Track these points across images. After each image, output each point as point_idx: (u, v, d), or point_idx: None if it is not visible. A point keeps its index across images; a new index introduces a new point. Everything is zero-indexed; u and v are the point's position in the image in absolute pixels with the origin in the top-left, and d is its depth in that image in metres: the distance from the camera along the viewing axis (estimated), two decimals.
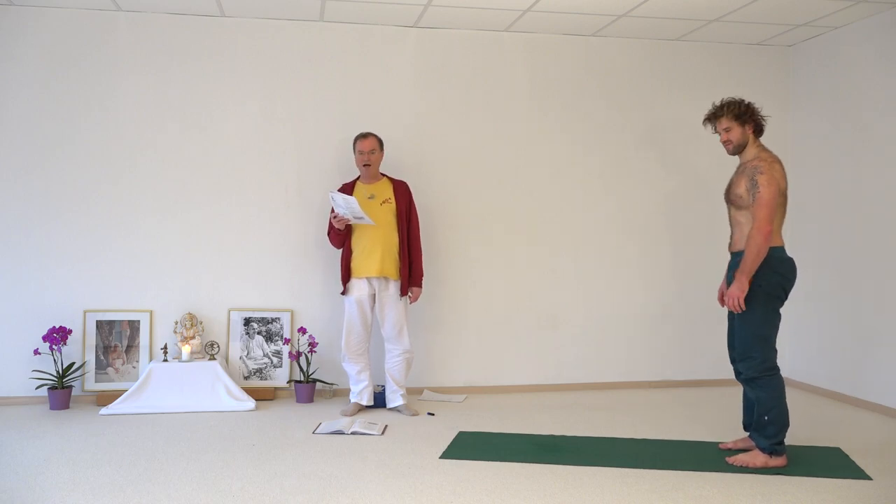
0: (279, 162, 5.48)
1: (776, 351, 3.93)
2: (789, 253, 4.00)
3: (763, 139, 6.43)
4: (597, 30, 5.65)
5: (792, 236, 6.01)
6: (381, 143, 5.02)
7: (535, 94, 5.78)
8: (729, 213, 4.04)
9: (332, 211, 5.01)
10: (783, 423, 3.86)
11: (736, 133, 3.97)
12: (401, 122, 5.58)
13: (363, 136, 4.98)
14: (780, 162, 3.94)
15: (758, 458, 3.87)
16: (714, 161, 5.99)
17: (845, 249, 5.47)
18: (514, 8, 5.14)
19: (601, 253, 5.86)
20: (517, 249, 5.76)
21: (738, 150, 4.00)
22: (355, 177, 5.12)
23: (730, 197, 3.98)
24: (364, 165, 4.95)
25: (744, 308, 3.83)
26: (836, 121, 5.57)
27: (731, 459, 3.93)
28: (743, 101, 4.00)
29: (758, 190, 3.79)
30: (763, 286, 3.83)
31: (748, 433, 4.11)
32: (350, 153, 5.19)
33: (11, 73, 5.18)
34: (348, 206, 4.72)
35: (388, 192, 5.00)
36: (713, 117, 4.05)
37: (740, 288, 3.80)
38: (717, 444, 4.27)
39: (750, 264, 3.79)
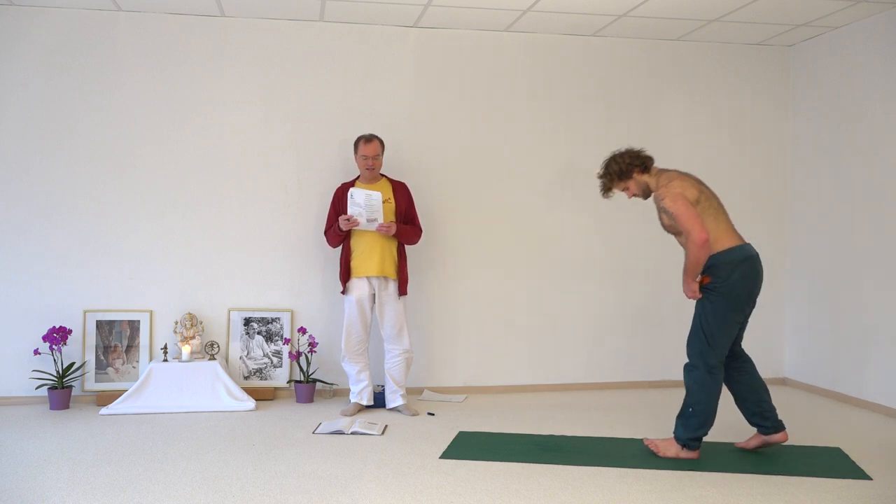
0: (279, 162, 5.48)
1: (719, 352, 3.93)
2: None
3: (763, 139, 6.44)
4: (597, 30, 5.65)
5: (792, 236, 6.02)
6: (383, 145, 5.01)
7: (535, 94, 5.78)
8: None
9: (331, 208, 5.03)
10: (707, 420, 3.93)
11: (632, 187, 4.09)
12: (400, 122, 5.58)
13: (367, 139, 4.95)
14: (678, 175, 3.98)
15: (671, 447, 3.98)
16: (714, 161, 6.00)
17: (845, 249, 5.47)
18: (514, 8, 5.14)
19: (601, 252, 5.86)
20: (517, 249, 5.76)
21: (647, 195, 4.10)
22: (354, 177, 5.13)
23: (665, 231, 4.05)
24: (367, 169, 4.95)
25: (699, 296, 3.94)
26: (836, 121, 5.57)
27: (647, 441, 4.08)
28: (613, 158, 4.07)
29: (671, 213, 3.86)
30: (719, 287, 3.87)
31: (757, 428, 4.07)
32: (350, 153, 5.18)
33: (11, 73, 5.18)
34: (368, 204, 4.73)
35: (387, 192, 4.99)
36: (607, 189, 4.13)
37: (685, 287, 3.92)
38: (715, 444, 4.27)
39: (691, 268, 3.85)
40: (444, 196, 5.65)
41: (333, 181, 5.34)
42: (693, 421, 3.93)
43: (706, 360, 3.91)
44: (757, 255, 3.95)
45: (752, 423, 4.10)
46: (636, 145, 5.92)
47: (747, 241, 3.99)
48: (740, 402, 4.09)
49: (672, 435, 4.07)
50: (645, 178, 4.05)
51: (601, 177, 4.13)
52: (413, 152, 5.59)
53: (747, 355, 4.11)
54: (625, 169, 4.03)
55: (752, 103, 6.05)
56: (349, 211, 4.81)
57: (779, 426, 4.03)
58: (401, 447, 4.19)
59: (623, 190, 4.12)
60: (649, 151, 5.82)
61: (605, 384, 5.85)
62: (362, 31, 5.55)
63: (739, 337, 4.07)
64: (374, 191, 4.85)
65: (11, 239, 5.19)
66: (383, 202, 4.89)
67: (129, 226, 5.32)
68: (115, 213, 5.31)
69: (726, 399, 5.41)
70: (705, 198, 3.92)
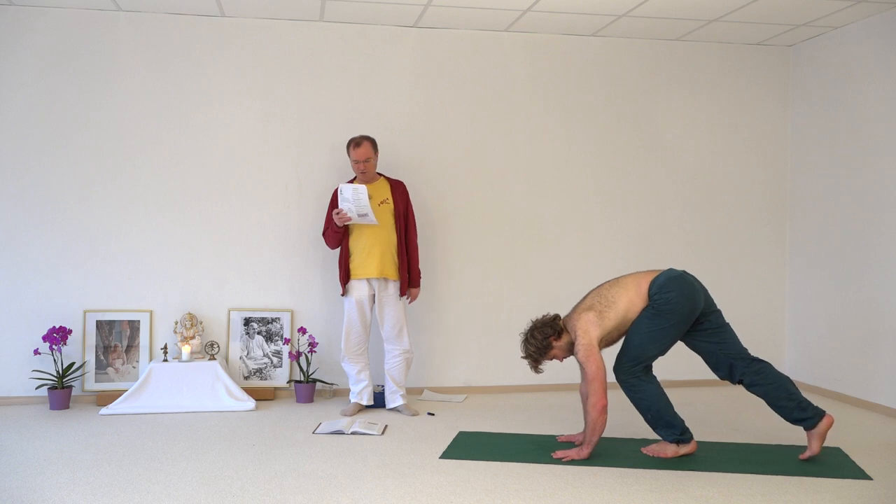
0: (279, 162, 5.48)
1: (645, 361, 4.00)
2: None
3: (763, 139, 6.47)
4: (597, 30, 5.65)
5: (792, 236, 6.03)
6: (375, 146, 4.96)
7: (536, 95, 5.78)
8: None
9: (330, 208, 5.02)
10: (670, 409, 3.99)
11: (558, 354, 4.08)
12: (400, 122, 5.58)
13: (356, 143, 4.89)
14: (577, 320, 3.98)
15: (668, 448, 4.01)
16: (714, 161, 6.00)
17: (845, 249, 5.47)
18: (514, 8, 5.14)
19: (601, 252, 5.85)
20: (517, 249, 5.76)
21: (571, 352, 4.06)
22: (352, 177, 5.12)
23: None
24: (361, 173, 4.94)
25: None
26: (836, 121, 5.57)
27: (645, 450, 4.08)
28: (527, 340, 4.05)
29: (582, 367, 3.92)
30: (655, 305, 3.92)
31: (802, 424, 3.99)
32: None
33: (11, 73, 5.18)
34: (356, 198, 4.69)
35: (385, 192, 4.99)
36: (535, 366, 4.09)
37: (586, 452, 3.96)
38: (715, 444, 4.27)
39: (590, 434, 3.93)
40: (444, 196, 5.65)
41: (333, 181, 5.34)
42: (662, 420, 3.98)
43: (631, 368, 3.99)
44: (682, 273, 4.01)
45: (794, 422, 4.00)
46: (636, 144, 5.94)
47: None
48: (774, 405, 4.01)
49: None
50: (564, 339, 4.04)
51: (525, 359, 4.11)
52: (413, 152, 5.59)
53: (758, 359, 4.03)
54: (542, 346, 4.02)
55: (753, 103, 6.05)
56: (339, 206, 4.80)
57: (819, 412, 3.95)
58: (401, 447, 4.19)
59: (552, 359, 4.11)
60: (649, 150, 5.89)
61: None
62: (362, 31, 5.55)
63: (736, 348, 4.03)
64: (364, 186, 4.79)
65: (11, 239, 5.19)
66: (381, 203, 4.91)
67: (129, 226, 5.32)
68: (115, 213, 5.31)
69: (728, 401, 5.39)
70: (601, 305, 3.97)
